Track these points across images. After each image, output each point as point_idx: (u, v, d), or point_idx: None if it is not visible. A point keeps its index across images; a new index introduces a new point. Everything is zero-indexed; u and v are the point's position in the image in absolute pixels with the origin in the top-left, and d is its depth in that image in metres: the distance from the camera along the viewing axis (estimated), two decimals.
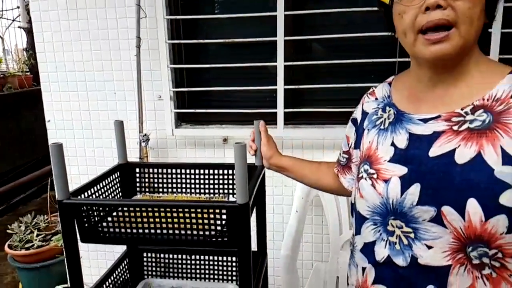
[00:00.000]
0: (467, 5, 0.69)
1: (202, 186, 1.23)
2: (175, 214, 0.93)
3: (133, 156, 1.93)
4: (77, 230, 0.98)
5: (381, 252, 0.79)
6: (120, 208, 0.96)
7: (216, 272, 1.33)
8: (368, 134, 0.86)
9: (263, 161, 1.15)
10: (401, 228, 0.75)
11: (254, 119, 1.18)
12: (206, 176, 1.23)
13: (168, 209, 0.92)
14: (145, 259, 1.34)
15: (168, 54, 1.78)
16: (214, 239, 0.95)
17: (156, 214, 0.93)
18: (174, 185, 1.24)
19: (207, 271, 1.33)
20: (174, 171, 1.23)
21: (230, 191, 1.23)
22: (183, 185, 1.24)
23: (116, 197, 1.19)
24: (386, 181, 0.76)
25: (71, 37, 1.89)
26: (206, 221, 0.94)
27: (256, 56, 1.81)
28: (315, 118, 1.82)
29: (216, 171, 1.23)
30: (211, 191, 1.23)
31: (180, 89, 1.87)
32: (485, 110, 0.70)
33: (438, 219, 0.70)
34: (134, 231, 0.97)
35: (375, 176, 0.79)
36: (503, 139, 0.67)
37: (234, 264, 1.31)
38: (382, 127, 0.83)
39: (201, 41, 1.81)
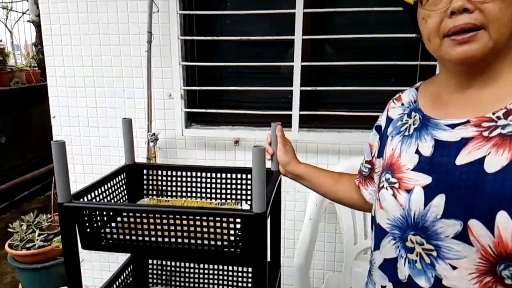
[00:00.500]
0: (497, 7, 0.62)
1: (213, 190, 1.15)
2: (184, 222, 0.85)
3: (140, 156, 1.86)
4: (78, 235, 0.90)
5: (402, 270, 0.73)
6: (125, 213, 0.88)
7: (225, 282, 1.24)
8: (392, 141, 0.80)
9: (279, 167, 1.07)
10: (422, 245, 0.69)
11: (267, 121, 1.10)
12: (218, 180, 1.15)
13: (177, 216, 0.84)
14: (150, 266, 1.26)
15: (180, 51, 1.71)
16: (226, 250, 0.87)
17: (164, 221, 0.86)
18: (184, 189, 1.16)
19: (215, 281, 1.25)
20: (184, 173, 1.15)
21: (243, 197, 1.15)
22: (193, 189, 1.16)
23: (121, 200, 1.12)
24: (409, 191, 0.70)
25: (80, 31, 1.82)
26: (218, 230, 0.86)
27: (271, 55, 1.74)
28: (332, 122, 1.74)
29: (228, 175, 1.15)
30: (223, 196, 1.15)
31: (191, 87, 1.79)
32: None
33: (463, 236, 0.64)
34: (140, 238, 0.89)
35: (396, 185, 0.73)
36: None
37: (245, 274, 1.23)
38: (406, 133, 0.77)
39: (214, 38, 1.73)
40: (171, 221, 0.85)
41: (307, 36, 1.61)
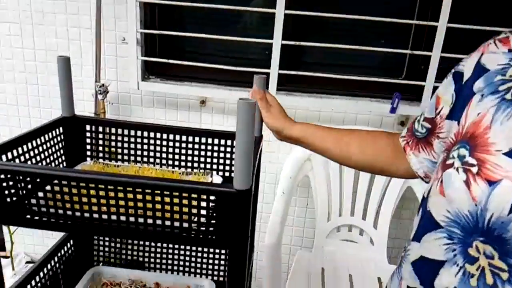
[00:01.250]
0: None
1: (176, 157, 0.93)
2: (139, 196, 0.63)
3: (87, 110, 1.58)
4: None
5: (447, 280, 0.53)
6: (59, 181, 0.64)
7: (186, 263, 1.05)
8: (481, 101, 0.55)
9: (273, 134, 0.85)
10: (491, 258, 0.50)
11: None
12: (183, 145, 0.92)
13: (129, 189, 0.62)
14: (95, 241, 1.04)
15: None
16: (194, 233, 0.67)
17: (111, 194, 0.63)
18: (139, 152, 0.93)
19: (173, 262, 1.05)
20: (139, 133, 0.92)
21: (214, 166, 0.93)
22: (151, 154, 0.93)
23: (56, 162, 0.87)
24: (492, 183, 0.49)
25: None
26: (185, 209, 0.65)
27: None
28: (313, 85, 1.54)
29: (196, 139, 0.92)
30: (188, 164, 0.93)
31: (150, 31, 1.50)
32: None
33: None
34: (77, 214, 0.67)
35: (474, 169, 0.51)
36: None
37: (210, 255, 1.04)
38: (508, 96, 0.53)
39: None
40: (121, 195, 0.63)
41: None
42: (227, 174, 0.93)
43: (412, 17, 1.47)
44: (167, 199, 0.64)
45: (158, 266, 1.05)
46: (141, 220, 0.66)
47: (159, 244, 1.03)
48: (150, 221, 0.65)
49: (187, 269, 1.04)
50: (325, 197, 1.53)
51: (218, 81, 1.57)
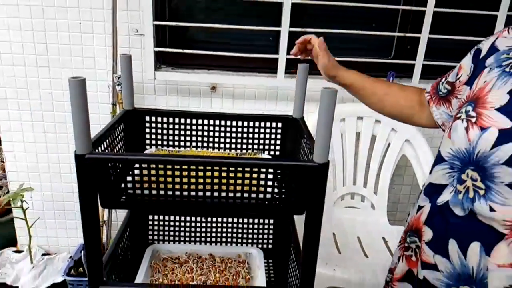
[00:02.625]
0: None
1: (227, 140, 1.04)
2: (231, 175, 0.75)
3: (100, 101, 1.63)
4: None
5: (445, 197, 0.76)
6: (162, 165, 0.74)
7: (234, 235, 1.18)
8: (489, 73, 0.74)
9: (325, 78, 1.00)
10: (475, 181, 0.70)
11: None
12: (233, 129, 1.04)
13: (224, 168, 0.74)
14: (150, 222, 1.14)
15: None
16: (276, 205, 0.80)
17: (201, 174, 0.74)
18: (194, 138, 1.03)
19: (222, 234, 1.18)
20: (194, 121, 1.02)
21: (261, 146, 1.06)
22: (204, 139, 1.04)
23: (121, 151, 0.96)
24: (483, 129, 0.68)
25: None
26: (262, 182, 0.77)
27: None
28: (314, 67, 1.68)
29: (236, 123, 1.04)
30: (238, 146, 1.05)
31: (165, 22, 1.57)
32: None
33: None
34: (169, 193, 0.77)
35: (473, 120, 0.70)
36: None
37: (255, 227, 1.17)
38: (507, 69, 0.72)
39: None
40: (209, 173, 0.74)
41: None
42: (272, 152, 1.06)
43: (399, 3, 1.64)
44: (255, 175, 0.76)
45: (208, 239, 1.17)
46: (231, 194, 0.78)
47: (209, 219, 1.15)
48: (231, 194, 0.77)
49: (234, 240, 1.18)
50: (330, 172, 1.70)
51: (227, 68, 1.66)
